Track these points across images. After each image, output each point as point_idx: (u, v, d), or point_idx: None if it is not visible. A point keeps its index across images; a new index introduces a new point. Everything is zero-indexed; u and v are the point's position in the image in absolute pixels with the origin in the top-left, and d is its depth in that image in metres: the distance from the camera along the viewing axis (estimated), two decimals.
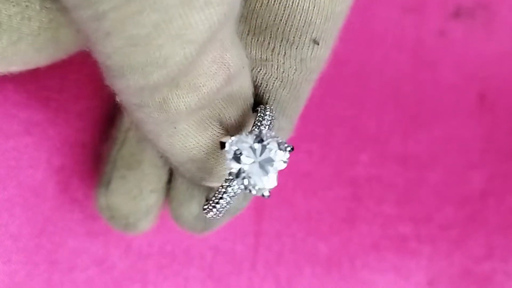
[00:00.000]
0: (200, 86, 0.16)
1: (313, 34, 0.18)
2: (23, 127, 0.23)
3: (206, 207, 0.17)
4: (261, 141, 0.16)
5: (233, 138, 0.16)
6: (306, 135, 0.27)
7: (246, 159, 0.16)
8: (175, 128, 0.17)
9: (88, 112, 0.24)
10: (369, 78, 0.28)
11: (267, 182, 0.17)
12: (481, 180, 0.29)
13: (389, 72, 0.28)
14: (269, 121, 0.17)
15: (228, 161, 0.16)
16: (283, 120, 0.19)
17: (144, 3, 0.13)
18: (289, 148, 0.17)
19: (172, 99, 0.16)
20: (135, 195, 0.22)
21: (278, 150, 0.17)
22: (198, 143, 0.17)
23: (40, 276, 0.23)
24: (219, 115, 0.17)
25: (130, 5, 0.13)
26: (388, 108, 0.28)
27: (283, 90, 0.18)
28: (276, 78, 0.18)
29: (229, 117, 0.18)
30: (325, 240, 0.27)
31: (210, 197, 0.18)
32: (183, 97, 0.16)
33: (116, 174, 0.22)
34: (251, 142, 0.16)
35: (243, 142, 0.16)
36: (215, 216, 0.17)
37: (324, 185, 0.27)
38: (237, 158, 0.16)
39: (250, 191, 0.17)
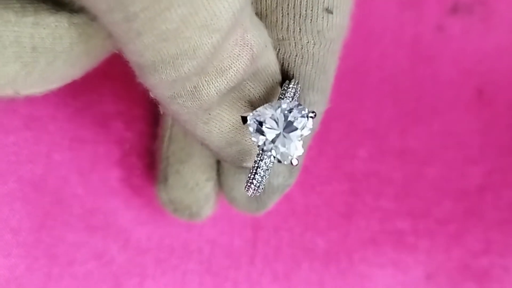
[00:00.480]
0: (226, 69, 0.16)
1: (325, 3, 0.18)
2: (23, 122, 0.24)
3: (245, 185, 0.18)
4: (282, 110, 0.17)
5: (254, 111, 0.17)
6: None
7: (269, 130, 0.17)
8: (210, 114, 0.17)
9: (87, 106, 0.25)
10: (368, 73, 0.28)
11: (294, 150, 0.17)
12: (479, 175, 0.29)
13: (387, 67, 0.28)
14: (293, 93, 0.18)
15: (252, 135, 0.17)
16: (313, 94, 0.19)
17: (171, 0, 0.14)
18: (311, 114, 0.17)
19: (203, 85, 0.16)
20: (192, 186, 0.23)
21: (300, 118, 0.17)
22: (233, 126, 0.18)
23: (40, 270, 0.24)
24: (249, 95, 0.18)
25: (159, 4, 0.14)
26: (386, 103, 0.28)
27: (306, 65, 0.19)
28: (297, 56, 0.18)
29: (259, 96, 0.18)
30: (323, 235, 0.27)
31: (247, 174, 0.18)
32: (212, 82, 0.16)
33: (171, 169, 0.23)
34: (272, 113, 0.17)
35: (264, 113, 0.17)
36: (255, 192, 0.18)
37: (322, 179, 0.27)
38: (260, 130, 0.17)
39: (279, 161, 0.17)
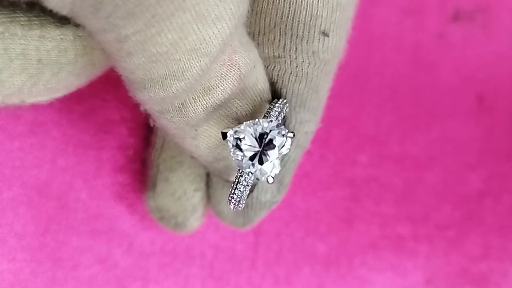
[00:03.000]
0: (213, 87, 0.17)
1: (321, 26, 0.18)
2: (27, 128, 0.24)
3: (227, 199, 0.18)
4: (262, 129, 0.17)
5: (234, 128, 0.17)
6: None
7: (248, 147, 0.17)
8: (196, 130, 0.18)
9: (92, 112, 0.25)
10: (368, 79, 0.28)
11: (271, 168, 0.17)
12: (479, 181, 0.29)
13: (388, 73, 0.29)
14: (277, 112, 0.18)
15: (231, 151, 0.17)
16: (304, 112, 0.19)
17: (162, 25, 0.14)
18: (290, 135, 0.17)
19: (190, 103, 0.17)
20: (180, 195, 0.23)
21: (279, 137, 0.17)
22: (220, 142, 0.18)
23: (44, 274, 0.24)
24: (236, 113, 0.18)
25: (150, 29, 0.14)
26: (387, 109, 0.28)
27: (299, 84, 0.19)
28: (291, 74, 0.19)
29: (246, 113, 0.18)
30: (323, 240, 0.27)
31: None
32: (199, 100, 0.17)
33: (160, 177, 0.23)
34: (252, 131, 0.17)
35: (244, 131, 0.17)
36: (236, 207, 0.18)
37: (323, 185, 0.27)
38: (238, 146, 0.17)
39: (257, 178, 0.18)
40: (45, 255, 0.24)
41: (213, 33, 0.15)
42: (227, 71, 0.17)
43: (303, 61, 0.18)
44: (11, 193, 0.23)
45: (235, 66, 0.17)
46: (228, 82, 0.17)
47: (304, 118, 0.19)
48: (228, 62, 0.17)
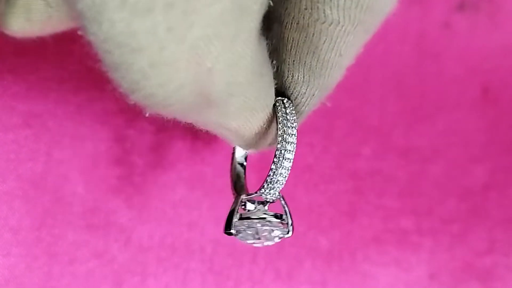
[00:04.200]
0: None
1: None
2: (22, 119, 0.23)
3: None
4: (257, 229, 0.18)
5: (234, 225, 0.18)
6: (307, 127, 0.27)
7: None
8: None
9: (88, 103, 0.24)
10: (372, 69, 0.28)
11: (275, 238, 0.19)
12: (484, 174, 0.28)
13: (392, 64, 0.28)
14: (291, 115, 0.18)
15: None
16: (300, 70, 0.18)
17: None
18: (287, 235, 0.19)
19: None
20: None
21: (275, 231, 0.18)
22: None
23: (40, 269, 0.23)
24: None
25: None
26: (390, 101, 0.28)
27: (299, 34, 0.17)
28: (293, 18, 0.16)
29: None
30: (326, 234, 0.26)
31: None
32: None
33: None
34: (249, 231, 0.18)
35: (243, 230, 0.18)
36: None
37: (326, 178, 0.27)
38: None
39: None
40: (40, 250, 0.23)
41: None
42: None
43: (305, 8, 0.16)
44: (6, 186, 0.23)
45: None
46: None
47: (300, 77, 0.18)
48: None
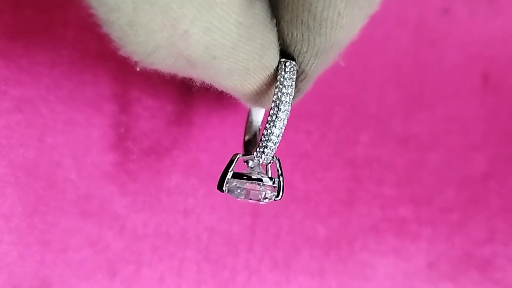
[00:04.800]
0: None
1: None
2: (14, 104, 0.23)
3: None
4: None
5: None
6: (304, 114, 0.26)
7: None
8: None
9: (81, 88, 0.24)
10: (371, 56, 0.27)
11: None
12: (483, 162, 0.28)
13: (391, 50, 0.28)
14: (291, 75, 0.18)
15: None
16: (298, 27, 0.17)
17: None
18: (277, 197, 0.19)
19: None
20: None
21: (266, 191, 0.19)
22: None
23: (33, 257, 0.23)
24: None
25: None
26: (389, 87, 0.28)
27: None
28: None
29: None
30: (323, 222, 0.26)
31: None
32: None
33: None
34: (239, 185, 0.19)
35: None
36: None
37: (323, 166, 0.26)
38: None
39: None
40: (33, 238, 0.23)
41: None
42: None
43: None
44: None
45: None
46: None
47: (299, 35, 0.17)
48: None
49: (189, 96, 0.25)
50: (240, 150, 0.25)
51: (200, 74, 0.17)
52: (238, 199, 0.19)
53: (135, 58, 0.15)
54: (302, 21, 0.16)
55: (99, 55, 0.23)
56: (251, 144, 0.21)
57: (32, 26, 0.23)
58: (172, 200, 0.24)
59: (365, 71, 0.27)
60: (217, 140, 0.25)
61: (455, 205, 0.28)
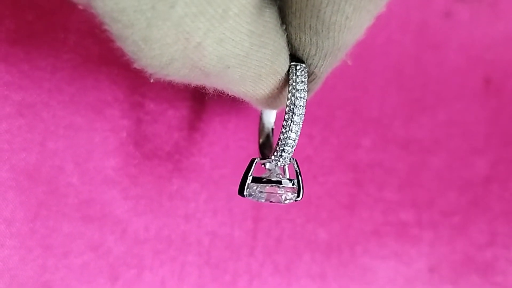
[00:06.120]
0: None
1: None
2: (15, 109, 0.23)
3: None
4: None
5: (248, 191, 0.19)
6: (306, 118, 0.26)
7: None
8: None
9: (83, 93, 0.24)
10: (372, 59, 0.27)
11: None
12: (485, 166, 0.28)
13: (392, 54, 0.28)
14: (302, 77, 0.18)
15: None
16: (305, 31, 0.17)
17: None
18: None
19: None
20: None
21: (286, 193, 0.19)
22: None
23: (34, 261, 0.23)
24: None
25: None
26: (391, 91, 0.27)
27: None
28: None
29: None
30: (325, 226, 0.26)
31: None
32: None
33: None
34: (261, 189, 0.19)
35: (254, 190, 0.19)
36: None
37: (325, 170, 0.26)
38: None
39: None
40: (35, 242, 0.23)
41: None
42: None
43: None
44: None
45: None
46: None
47: (307, 39, 0.17)
48: None
49: (191, 101, 0.25)
50: (241, 154, 0.25)
51: (213, 82, 0.17)
52: (261, 201, 0.19)
53: (149, 71, 0.15)
54: (310, 26, 0.17)
55: (101, 60, 0.23)
56: (265, 147, 0.22)
57: (34, 31, 0.23)
58: (174, 205, 0.24)
59: (367, 75, 0.27)
60: (219, 144, 0.25)
61: (456, 208, 0.28)
